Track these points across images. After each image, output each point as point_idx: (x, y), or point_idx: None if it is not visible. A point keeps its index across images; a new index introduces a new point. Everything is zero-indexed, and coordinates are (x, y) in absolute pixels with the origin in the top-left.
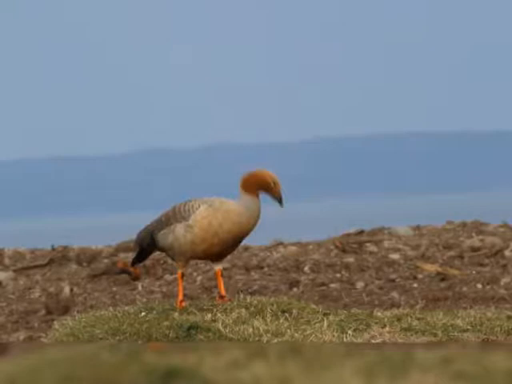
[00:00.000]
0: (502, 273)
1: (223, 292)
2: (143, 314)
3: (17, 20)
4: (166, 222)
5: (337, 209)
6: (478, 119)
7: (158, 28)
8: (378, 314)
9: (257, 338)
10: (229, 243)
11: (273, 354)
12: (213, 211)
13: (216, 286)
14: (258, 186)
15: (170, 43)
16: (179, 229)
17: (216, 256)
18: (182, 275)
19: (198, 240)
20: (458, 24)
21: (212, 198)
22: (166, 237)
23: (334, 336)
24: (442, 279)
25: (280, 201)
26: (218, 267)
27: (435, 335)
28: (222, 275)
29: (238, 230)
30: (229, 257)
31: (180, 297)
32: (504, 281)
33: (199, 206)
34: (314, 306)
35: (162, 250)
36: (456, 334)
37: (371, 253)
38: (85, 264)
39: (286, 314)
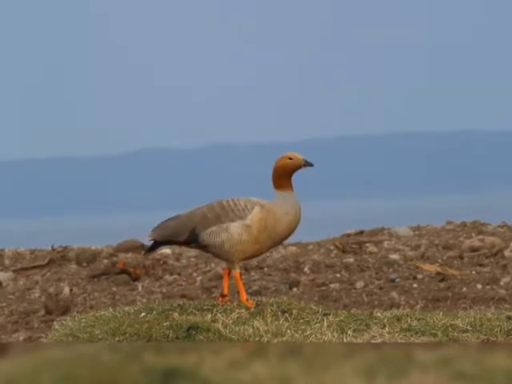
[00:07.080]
0: (502, 273)
1: (226, 291)
2: (143, 314)
3: (18, 23)
4: (214, 219)
5: (337, 209)
6: (477, 119)
7: (158, 29)
8: (378, 314)
9: (257, 339)
10: (276, 244)
11: (273, 354)
12: (266, 213)
13: (216, 287)
14: (285, 176)
15: (170, 44)
16: (235, 228)
17: (255, 256)
18: (240, 275)
19: (253, 240)
20: (457, 24)
21: (251, 198)
22: (216, 235)
23: (333, 336)
24: (442, 279)
25: (309, 165)
26: (227, 266)
27: (435, 335)
28: (229, 274)
29: (288, 230)
30: None
31: (244, 296)
32: (504, 281)
33: (253, 207)
34: (313, 307)
35: (203, 247)
36: (456, 334)
37: (371, 253)
38: (84, 264)
39: (286, 315)
